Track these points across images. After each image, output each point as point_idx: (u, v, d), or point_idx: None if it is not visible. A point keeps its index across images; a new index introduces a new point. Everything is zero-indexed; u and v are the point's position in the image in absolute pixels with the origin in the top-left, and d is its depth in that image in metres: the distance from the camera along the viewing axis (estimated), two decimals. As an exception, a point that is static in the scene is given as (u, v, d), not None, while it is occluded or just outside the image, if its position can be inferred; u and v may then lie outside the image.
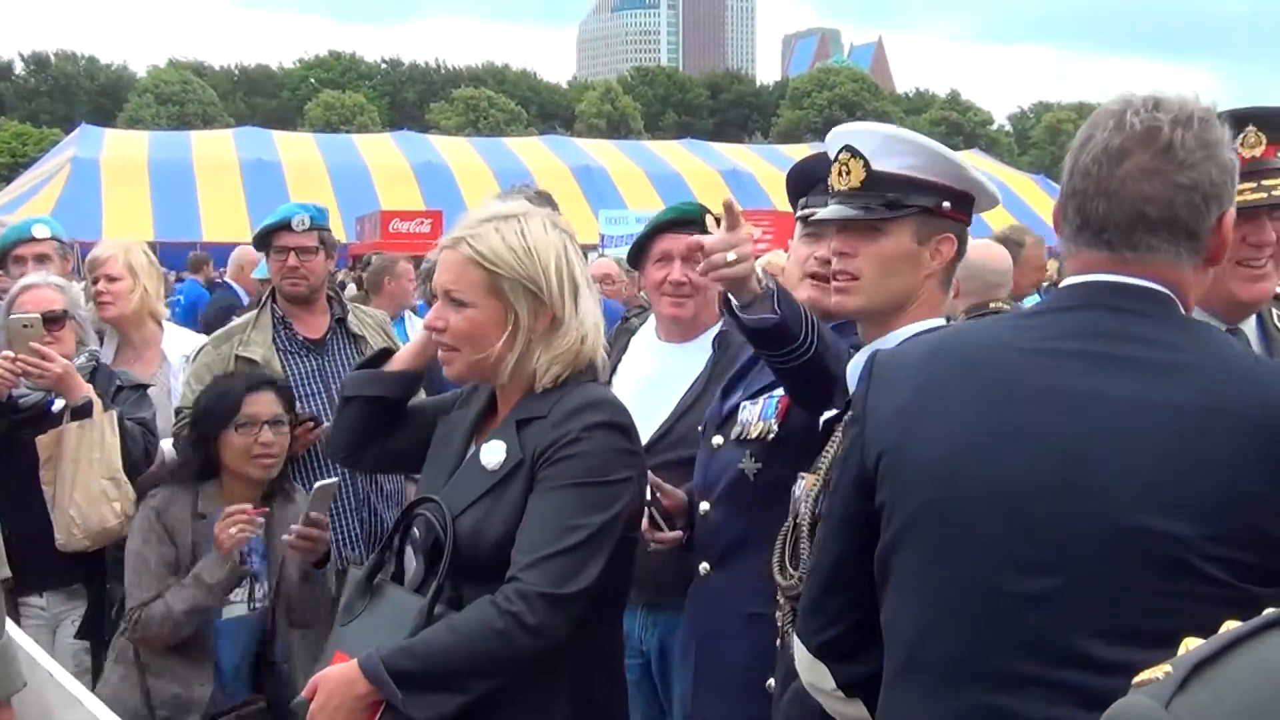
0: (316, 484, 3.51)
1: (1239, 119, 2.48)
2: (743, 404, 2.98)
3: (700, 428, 3.13)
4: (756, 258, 2.58)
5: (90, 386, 4.11)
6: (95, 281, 4.68)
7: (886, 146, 2.41)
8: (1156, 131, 1.75)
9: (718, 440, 3.01)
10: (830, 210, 2.53)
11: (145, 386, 4.50)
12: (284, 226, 4.49)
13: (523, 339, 2.42)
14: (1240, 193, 2.44)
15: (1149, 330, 1.75)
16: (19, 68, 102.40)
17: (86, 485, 4.01)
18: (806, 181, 3.02)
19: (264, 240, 4.57)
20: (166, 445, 4.40)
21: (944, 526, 1.76)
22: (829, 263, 2.59)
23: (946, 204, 2.38)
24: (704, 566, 3.00)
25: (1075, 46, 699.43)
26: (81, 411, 4.04)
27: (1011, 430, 1.74)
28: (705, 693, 3.01)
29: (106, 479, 4.04)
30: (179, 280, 15.49)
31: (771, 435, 2.86)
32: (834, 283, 2.53)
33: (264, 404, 3.73)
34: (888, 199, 2.39)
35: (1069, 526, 1.67)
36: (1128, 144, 1.76)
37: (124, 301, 4.71)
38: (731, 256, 2.45)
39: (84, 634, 4.18)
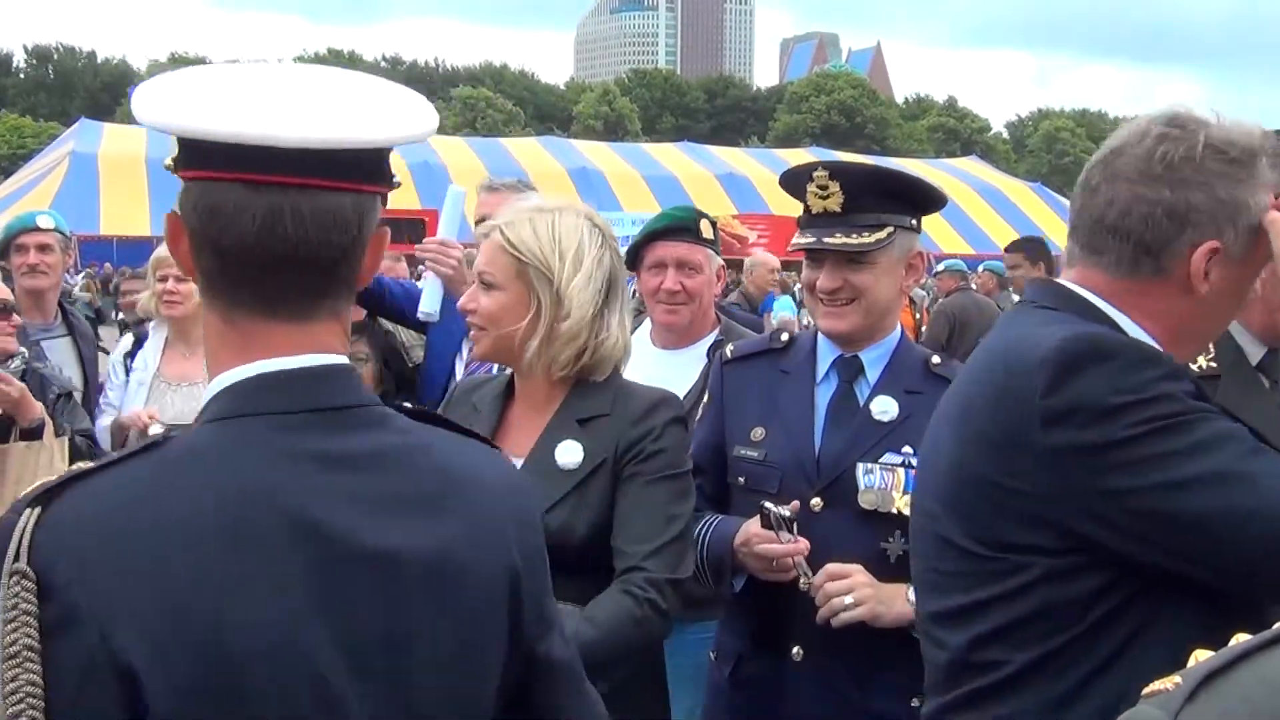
0: None
1: None
2: (863, 465, 2.68)
3: (773, 475, 2.78)
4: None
5: (42, 407, 4.03)
6: (163, 280, 4.68)
7: None
8: (1143, 139, 1.73)
9: (817, 502, 2.69)
10: None
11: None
12: None
13: (545, 324, 2.50)
14: None
15: (1009, 324, 1.86)
16: (20, 60, 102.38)
17: None
18: None
19: None
20: None
21: None
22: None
23: None
24: (797, 651, 2.68)
25: (1053, 52, 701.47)
26: (32, 433, 3.95)
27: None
28: None
29: None
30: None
31: None
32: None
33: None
34: None
35: (918, 513, 1.90)
36: (1122, 148, 1.75)
37: (191, 302, 4.67)
38: (849, 600, 2.52)
39: None
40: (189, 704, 1.14)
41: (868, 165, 2.81)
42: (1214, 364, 2.52)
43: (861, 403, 2.75)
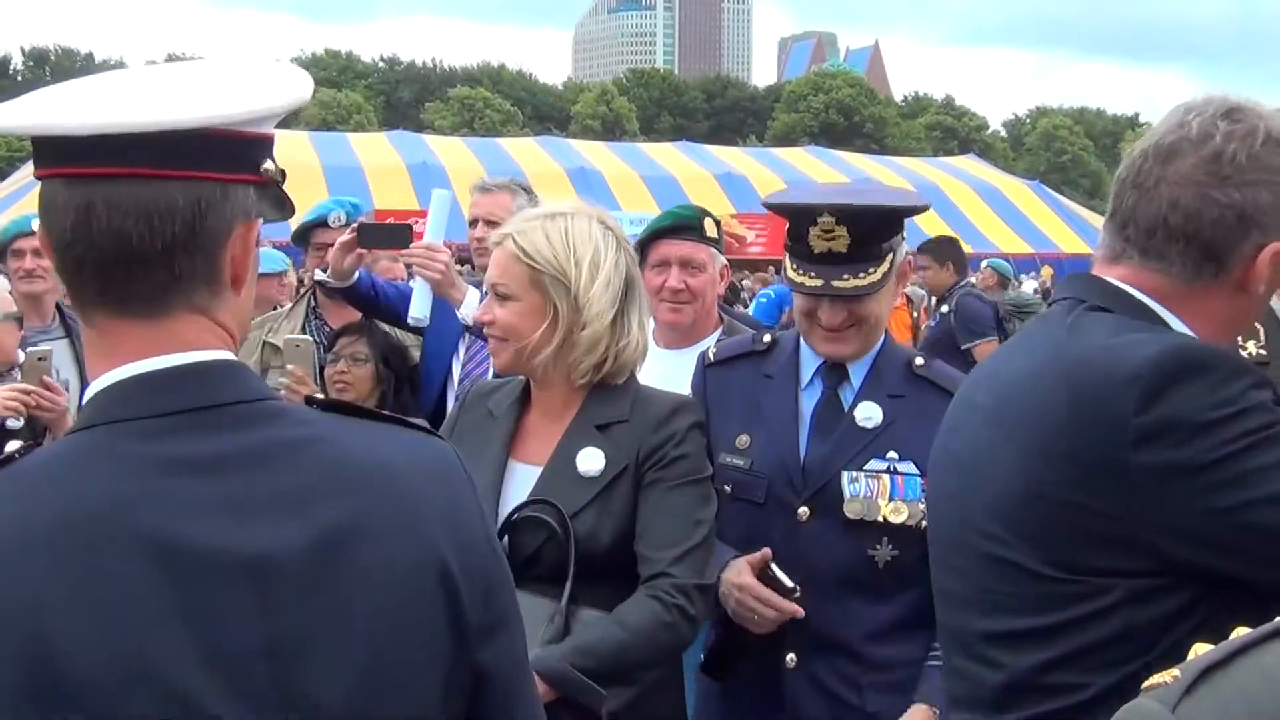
0: (286, 337, 3.88)
1: None
2: (848, 473, 2.67)
3: (759, 484, 2.76)
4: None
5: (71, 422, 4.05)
6: None
7: None
8: (1208, 139, 1.67)
9: (804, 512, 2.68)
10: None
11: None
12: (321, 223, 4.53)
13: (561, 331, 2.48)
14: None
15: (1070, 330, 1.75)
16: (18, 63, 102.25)
17: None
18: None
19: (302, 236, 4.60)
20: None
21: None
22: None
23: None
24: (791, 657, 2.68)
25: (1050, 51, 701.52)
26: None
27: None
28: None
29: None
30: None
31: (926, 523, 2.45)
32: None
33: (344, 344, 4.15)
34: None
35: (958, 529, 1.83)
36: (1179, 145, 1.69)
37: None
38: None
39: None
40: None
41: (873, 207, 2.70)
42: (1263, 350, 2.48)
43: (846, 408, 2.75)
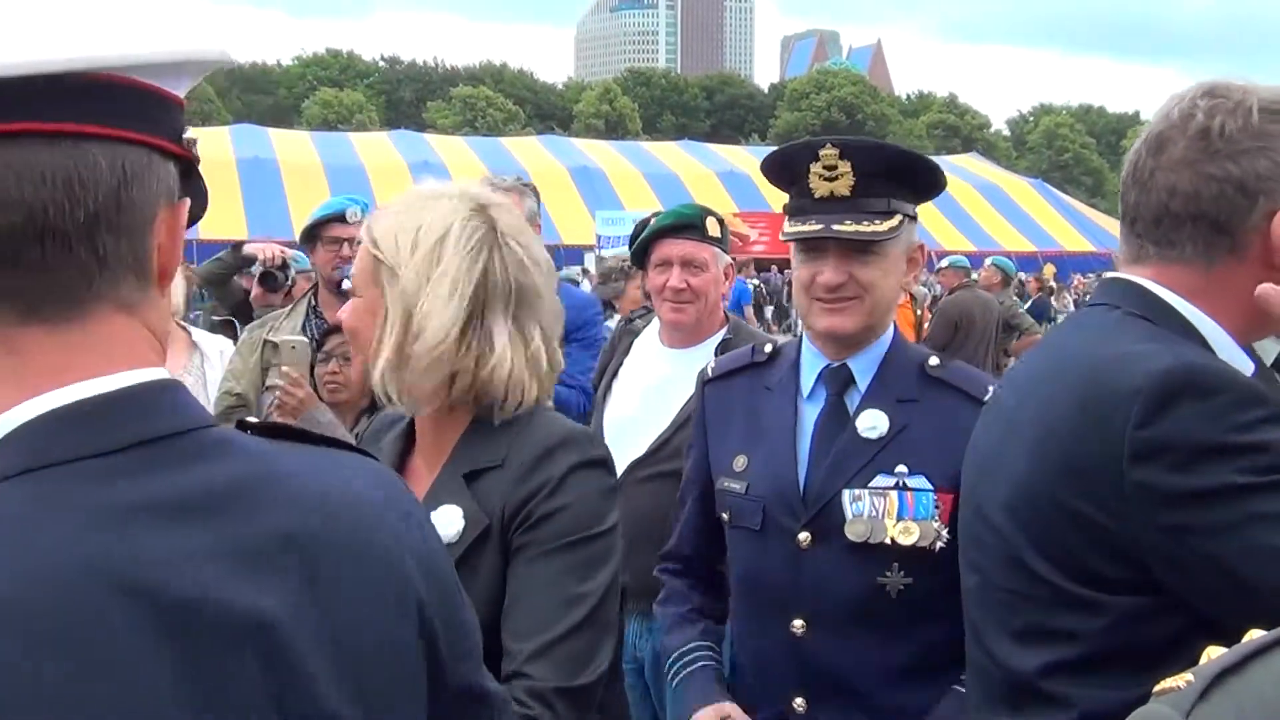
0: (283, 338, 3.90)
1: None
2: (850, 491, 2.36)
3: (756, 509, 2.48)
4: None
5: None
6: None
7: None
8: (1190, 119, 1.65)
9: (805, 538, 2.38)
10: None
11: None
12: (338, 218, 4.64)
13: (394, 338, 1.94)
14: None
15: (1097, 334, 1.72)
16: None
17: None
18: None
19: (312, 232, 4.67)
20: None
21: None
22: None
23: None
24: (800, 702, 2.40)
25: (1050, 48, 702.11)
26: None
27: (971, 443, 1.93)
28: None
29: None
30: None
31: (941, 544, 2.28)
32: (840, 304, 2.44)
33: (335, 343, 4.09)
34: None
35: (975, 524, 1.82)
36: (1168, 133, 1.67)
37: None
38: None
39: None
40: None
41: (879, 143, 2.47)
42: None
43: (850, 417, 2.46)
